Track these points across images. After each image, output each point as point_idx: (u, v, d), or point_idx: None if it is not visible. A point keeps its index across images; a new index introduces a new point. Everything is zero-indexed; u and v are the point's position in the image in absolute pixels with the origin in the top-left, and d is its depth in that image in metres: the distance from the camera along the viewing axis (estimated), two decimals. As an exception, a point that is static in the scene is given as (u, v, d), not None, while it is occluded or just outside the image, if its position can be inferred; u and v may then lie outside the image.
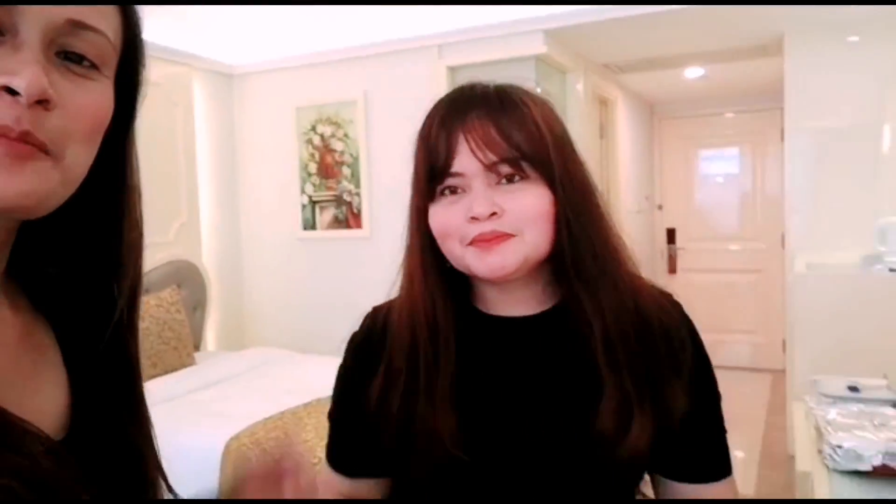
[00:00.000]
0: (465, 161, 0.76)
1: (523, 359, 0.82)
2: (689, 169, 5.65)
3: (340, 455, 0.91)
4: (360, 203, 3.61)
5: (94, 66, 0.48)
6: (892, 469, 1.31)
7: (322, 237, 3.72)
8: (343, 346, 0.92)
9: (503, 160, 0.75)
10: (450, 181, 0.77)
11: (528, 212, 0.76)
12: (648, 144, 5.61)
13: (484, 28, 3.23)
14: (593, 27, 3.16)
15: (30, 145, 0.44)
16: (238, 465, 2.02)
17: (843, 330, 2.60)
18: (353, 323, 0.93)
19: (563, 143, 0.80)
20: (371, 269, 3.51)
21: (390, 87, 3.49)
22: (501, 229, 0.75)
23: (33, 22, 0.45)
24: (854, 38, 3.24)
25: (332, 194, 3.68)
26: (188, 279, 3.46)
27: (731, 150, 5.47)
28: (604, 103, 4.27)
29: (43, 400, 0.52)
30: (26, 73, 0.43)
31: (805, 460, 1.57)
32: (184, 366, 3.00)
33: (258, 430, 2.17)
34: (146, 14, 0.55)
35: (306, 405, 2.36)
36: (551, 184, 0.77)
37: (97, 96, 0.49)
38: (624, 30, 3.24)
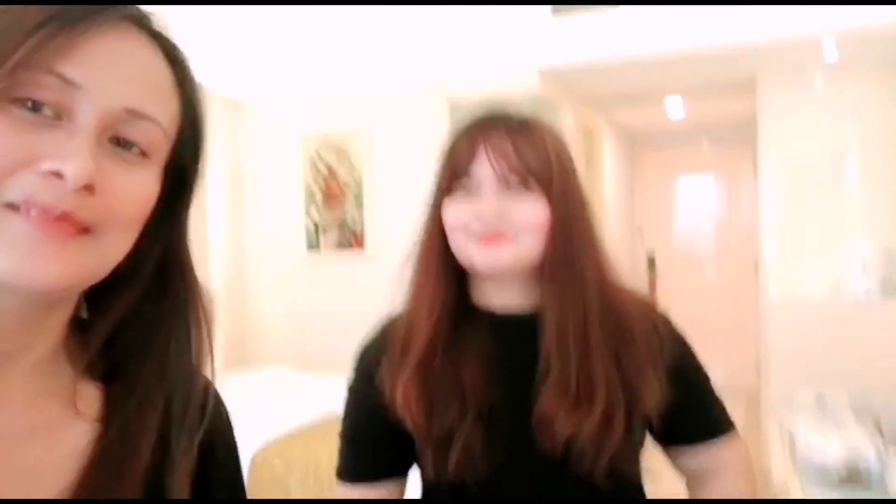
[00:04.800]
0: (482, 167, 0.88)
1: (504, 349, 0.92)
2: (667, 198, 5.95)
3: (359, 465, 0.97)
4: (362, 226, 3.79)
5: (143, 154, 0.50)
6: (856, 474, 1.53)
7: (325, 258, 3.89)
8: (345, 362, 0.98)
9: (513, 171, 0.87)
10: (465, 181, 0.89)
11: (527, 219, 0.87)
12: (630, 174, 5.90)
13: (482, 67, 3.45)
14: (583, 65, 3.39)
15: (69, 224, 0.45)
16: (265, 476, 2.18)
17: (814, 351, 2.86)
18: (352, 340, 1.01)
19: (566, 169, 0.91)
20: (372, 289, 3.66)
21: (392, 119, 3.70)
22: (503, 230, 0.87)
23: (92, 108, 0.46)
24: (820, 79, 3.53)
25: (336, 218, 3.87)
26: (196, 299, 3.60)
27: (707, 179, 5.78)
28: (589, 135, 4.52)
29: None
30: (75, 161, 0.44)
31: (780, 471, 1.78)
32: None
33: (280, 443, 2.33)
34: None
35: (323, 418, 2.52)
36: (550, 199, 0.88)
37: (142, 183, 0.50)
38: (610, 67, 3.47)
